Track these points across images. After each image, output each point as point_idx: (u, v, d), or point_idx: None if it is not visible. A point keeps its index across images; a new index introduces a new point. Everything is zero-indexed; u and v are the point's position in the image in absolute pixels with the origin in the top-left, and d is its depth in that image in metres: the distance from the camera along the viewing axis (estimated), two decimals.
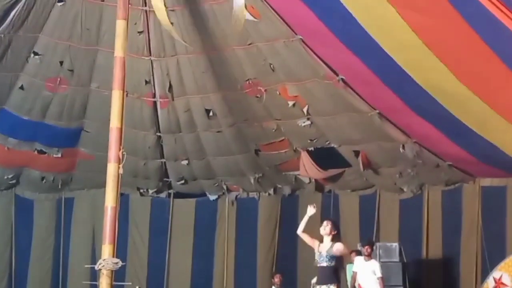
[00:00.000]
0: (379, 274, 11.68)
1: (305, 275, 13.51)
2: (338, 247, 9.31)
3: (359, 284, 11.80)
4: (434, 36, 9.04)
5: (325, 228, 9.47)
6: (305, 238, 9.77)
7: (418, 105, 10.97)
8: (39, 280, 14.88)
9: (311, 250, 12.84)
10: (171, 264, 15.31)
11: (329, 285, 9.19)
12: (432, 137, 11.89)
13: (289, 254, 14.38)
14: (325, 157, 13.45)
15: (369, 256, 11.87)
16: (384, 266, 12.04)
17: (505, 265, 11.80)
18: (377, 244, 12.85)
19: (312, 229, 12.32)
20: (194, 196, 15.59)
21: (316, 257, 9.50)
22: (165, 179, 15.19)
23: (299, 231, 9.81)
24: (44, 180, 14.91)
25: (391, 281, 12.44)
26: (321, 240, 9.54)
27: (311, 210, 9.73)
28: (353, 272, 11.89)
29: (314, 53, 11.20)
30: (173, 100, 13.04)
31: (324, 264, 9.30)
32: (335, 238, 9.42)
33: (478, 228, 13.05)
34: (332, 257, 9.34)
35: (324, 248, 9.41)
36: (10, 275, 14.97)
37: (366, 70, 10.69)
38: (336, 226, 9.70)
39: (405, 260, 12.83)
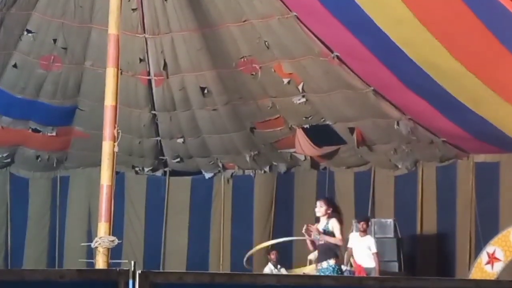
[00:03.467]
0: (374, 250, 11.74)
1: (301, 252, 13.56)
2: (333, 224, 9.25)
3: (354, 260, 11.86)
4: (428, 12, 9.03)
5: (320, 209, 9.37)
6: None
7: (412, 81, 10.97)
8: (35, 258, 14.90)
9: (309, 223, 12.90)
10: (167, 242, 15.34)
11: (328, 260, 9.14)
12: (426, 113, 11.89)
13: (285, 231, 14.40)
14: (320, 134, 13.45)
15: (365, 232, 11.92)
16: (379, 242, 12.10)
17: (498, 240, 11.86)
18: (372, 220, 12.89)
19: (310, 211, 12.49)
20: (189, 174, 15.59)
21: (314, 236, 9.44)
22: (160, 157, 15.18)
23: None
24: (39, 159, 14.89)
25: (386, 256, 12.51)
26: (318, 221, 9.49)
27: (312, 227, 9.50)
28: (348, 248, 11.94)
29: (309, 30, 11.18)
30: (167, 78, 13.00)
31: (322, 241, 9.27)
32: (331, 216, 9.32)
33: (472, 204, 13.09)
34: (328, 234, 9.30)
35: (320, 227, 9.38)
36: (6, 253, 14.98)
37: (361, 47, 10.68)
38: (331, 203, 9.59)
39: (399, 236, 12.89)
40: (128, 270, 2.98)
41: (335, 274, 8.98)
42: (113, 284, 2.92)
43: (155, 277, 2.97)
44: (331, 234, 9.10)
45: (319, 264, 9.33)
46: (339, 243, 9.18)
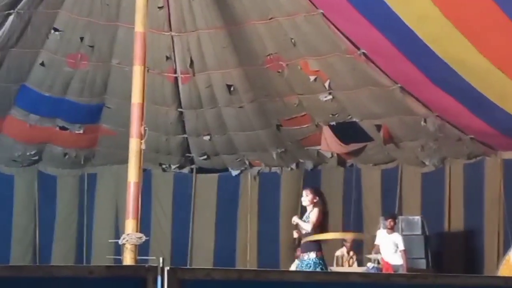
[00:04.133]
0: (401, 247, 11.69)
1: (327, 248, 13.54)
2: (313, 212, 9.14)
3: (381, 257, 11.83)
4: (455, 8, 8.97)
5: (305, 198, 9.31)
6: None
7: (439, 78, 10.90)
8: (63, 256, 14.99)
9: (335, 222, 12.88)
10: (194, 239, 15.39)
11: (309, 253, 9.06)
12: (454, 110, 11.82)
13: None
14: (347, 131, 13.42)
15: (392, 229, 11.88)
16: (406, 239, 12.06)
17: None
18: (399, 217, 12.84)
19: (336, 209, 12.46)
20: (216, 171, 15.63)
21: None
22: (187, 154, 15.23)
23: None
24: (67, 156, 14.98)
25: (414, 253, 12.46)
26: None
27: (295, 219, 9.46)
28: (375, 245, 11.91)
29: (335, 27, 11.14)
30: (194, 75, 13.04)
31: (303, 231, 9.19)
32: (316, 205, 9.23)
33: (500, 201, 13.00)
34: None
35: (306, 217, 9.31)
36: (35, 251, 15.09)
37: (387, 44, 10.63)
38: (317, 192, 9.50)
39: (427, 233, 12.83)
40: (157, 266, 3.00)
41: (317, 268, 8.84)
42: (142, 281, 2.94)
43: (183, 273, 2.98)
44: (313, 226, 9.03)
45: (300, 256, 9.28)
46: (307, 227, 9.07)
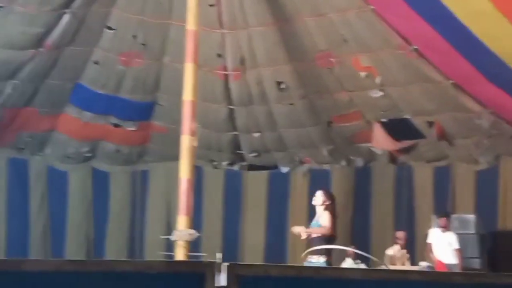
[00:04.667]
0: (456, 246, 11.56)
1: (380, 246, 13.48)
2: (323, 216, 9.17)
3: (434, 256, 11.71)
4: (509, 3, 8.84)
5: (318, 198, 9.34)
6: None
7: (493, 74, 10.76)
8: (116, 251, 15.15)
9: (386, 221, 12.80)
10: (245, 236, 15.44)
11: (319, 256, 9.07)
12: (508, 107, 11.65)
13: (363, 225, 14.33)
14: (398, 128, 13.32)
15: (446, 228, 11.74)
16: (460, 238, 11.91)
17: None
18: (453, 215, 12.69)
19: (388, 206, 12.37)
20: (266, 168, 15.65)
21: (310, 227, 9.40)
22: (237, 151, 15.28)
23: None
24: (120, 153, 15.16)
25: (468, 253, 12.29)
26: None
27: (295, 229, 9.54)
28: (428, 243, 11.80)
29: (387, 23, 11.08)
30: (245, 73, 13.08)
31: (314, 234, 9.20)
32: (327, 208, 9.24)
33: None
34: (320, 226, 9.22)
35: (316, 218, 9.30)
36: (88, 246, 15.30)
37: (440, 39, 10.53)
38: (329, 195, 9.54)
39: (482, 232, 12.65)
40: (215, 262, 3.02)
41: None
42: (200, 276, 2.97)
43: (242, 269, 3.00)
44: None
45: (309, 257, 9.27)
46: (324, 231, 9.12)
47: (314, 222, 9.48)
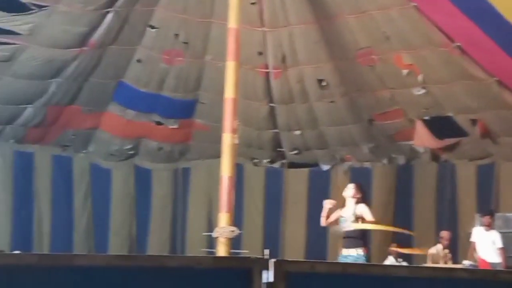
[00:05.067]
0: (499, 245, 11.44)
1: (422, 245, 13.39)
2: (362, 209, 9.11)
3: (477, 255, 11.61)
4: None
5: (349, 190, 9.28)
6: (331, 221, 9.56)
7: None
8: (158, 248, 15.26)
9: (428, 219, 12.71)
10: (286, 233, 15.46)
11: (357, 248, 9.00)
12: None
13: (405, 224, 14.22)
14: (441, 126, 13.22)
15: (489, 226, 11.63)
16: (503, 237, 11.78)
17: None
18: (496, 214, 12.55)
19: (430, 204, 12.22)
20: (307, 166, 15.65)
21: (341, 222, 9.34)
22: (278, 149, 15.30)
23: (323, 223, 9.62)
24: (162, 151, 15.29)
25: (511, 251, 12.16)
26: (343, 205, 9.39)
27: (327, 203, 9.49)
28: (472, 242, 11.70)
29: (429, 19, 11.01)
30: (286, 70, 13.10)
31: (348, 227, 9.13)
32: (359, 201, 9.19)
33: None
34: (357, 220, 9.16)
35: (347, 211, 9.24)
36: (131, 243, 15.44)
37: (483, 36, 10.44)
38: (361, 189, 9.48)
39: None
40: (263, 258, 3.05)
41: None
42: (248, 272, 3.00)
43: (289, 265, 3.03)
44: (358, 219, 8.99)
45: (346, 251, 9.20)
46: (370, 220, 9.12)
47: (346, 214, 9.36)
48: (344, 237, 9.39)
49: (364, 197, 9.46)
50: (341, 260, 9.27)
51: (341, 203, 14.99)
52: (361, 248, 9.08)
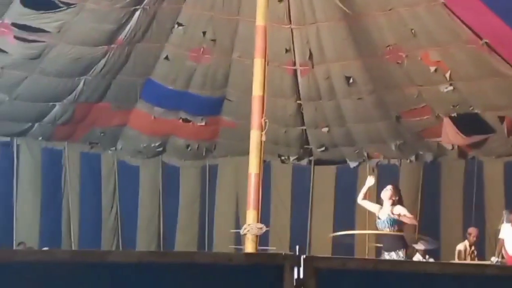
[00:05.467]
0: None
1: (449, 241, 13.36)
2: (399, 210, 9.05)
3: (506, 251, 11.56)
4: None
5: (387, 192, 9.23)
6: (366, 204, 9.56)
7: None
8: (186, 244, 15.34)
9: (456, 215, 12.63)
10: (313, 230, 15.46)
11: (397, 251, 8.94)
12: None
13: (432, 220, 14.19)
14: (469, 123, 13.15)
15: None
16: None
17: None
18: None
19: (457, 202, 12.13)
20: (334, 163, 15.63)
21: (376, 223, 9.29)
22: (305, 146, 15.30)
23: (359, 199, 9.60)
24: (189, 148, 15.35)
25: None
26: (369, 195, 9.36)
27: (370, 181, 9.46)
28: (499, 239, 11.64)
29: (457, 16, 10.96)
30: (313, 68, 13.10)
31: (387, 229, 9.07)
32: (396, 203, 9.13)
33: None
34: (394, 222, 9.10)
35: (383, 213, 9.17)
36: (159, 238, 15.53)
37: (511, 33, 10.37)
38: (398, 191, 9.43)
39: None
40: (294, 254, 3.08)
41: None
42: (279, 268, 3.02)
43: (319, 262, 3.05)
44: (395, 223, 8.92)
45: (386, 253, 9.12)
46: (414, 221, 9.08)
47: (382, 216, 9.33)
48: (383, 240, 9.35)
49: (400, 199, 9.41)
50: None
51: (369, 201, 15.05)
52: (401, 250, 9.02)
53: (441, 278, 3.02)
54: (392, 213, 9.09)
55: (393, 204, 9.23)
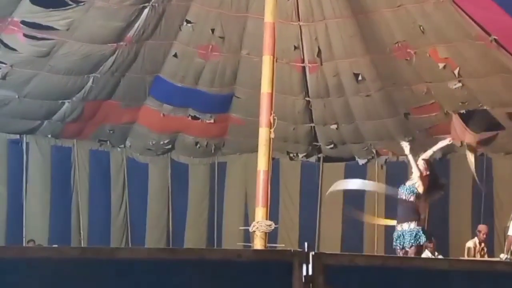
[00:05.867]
0: None
1: (458, 238, 13.33)
2: (420, 162, 9.00)
3: None
4: None
5: (422, 165, 9.16)
6: (412, 161, 9.45)
7: None
8: (195, 241, 15.37)
9: (465, 212, 12.56)
10: (322, 227, 15.47)
11: (409, 222, 8.88)
12: None
13: (441, 217, 14.17)
14: (477, 120, 13.12)
15: None
16: None
17: None
18: None
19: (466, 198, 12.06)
20: (343, 160, 15.63)
21: (400, 189, 9.23)
22: (314, 143, 15.31)
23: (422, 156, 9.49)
24: (198, 145, 15.37)
25: None
26: None
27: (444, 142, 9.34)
28: (509, 236, 11.59)
29: (466, 13, 10.93)
30: (321, 65, 13.09)
31: (403, 196, 9.01)
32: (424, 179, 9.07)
33: None
34: (412, 191, 9.02)
35: (408, 182, 9.13)
36: (168, 236, 15.56)
37: None
38: (431, 168, 9.35)
39: None
40: (303, 251, 3.08)
41: (416, 238, 8.74)
42: (288, 265, 3.03)
43: (328, 258, 3.06)
44: (412, 193, 8.86)
45: (399, 225, 9.07)
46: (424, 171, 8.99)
47: (404, 186, 9.27)
48: (397, 210, 9.28)
49: (431, 175, 9.28)
50: (396, 237, 9.10)
51: (377, 198, 15.01)
52: (413, 222, 8.94)
53: (451, 275, 3.02)
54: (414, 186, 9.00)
55: (422, 179, 9.12)
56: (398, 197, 9.06)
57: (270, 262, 3.07)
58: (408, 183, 9.13)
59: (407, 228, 8.87)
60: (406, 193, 9.07)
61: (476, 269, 3.04)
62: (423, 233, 8.91)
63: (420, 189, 9.00)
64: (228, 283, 3.10)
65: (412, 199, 9.03)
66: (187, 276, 3.15)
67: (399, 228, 9.03)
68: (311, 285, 3.07)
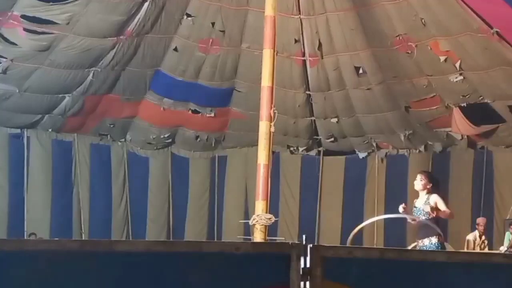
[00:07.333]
0: None
1: (457, 231, 13.34)
2: (434, 198, 8.88)
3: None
4: None
5: (419, 182, 9.05)
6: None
7: None
8: (195, 235, 15.40)
9: (465, 205, 12.54)
10: (322, 220, 15.49)
11: (430, 238, 8.84)
12: None
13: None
14: (478, 113, 13.12)
15: None
16: None
17: None
18: None
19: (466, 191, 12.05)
20: (343, 154, 15.64)
21: (414, 213, 9.15)
22: (314, 137, 15.31)
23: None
24: (198, 139, 15.39)
25: None
26: (417, 196, 9.19)
27: (401, 209, 9.21)
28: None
29: (467, 6, 10.90)
30: (322, 58, 13.07)
31: (422, 217, 8.96)
32: (431, 192, 8.98)
33: None
34: (426, 209, 8.97)
35: (419, 202, 9.04)
36: (169, 229, 15.60)
37: None
38: (432, 178, 9.20)
39: None
40: (301, 243, 3.08)
41: None
42: (286, 257, 3.02)
43: (326, 251, 3.05)
44: (432, 210, 8.77)
45: (420, 241, 9.02)
46: (451, 216, 8.87)
47: (419, 205, 9.20)
48: (418, 228, 9.22)
49: (437, 186, 9.20)
50: None
51: (378, 191, 15.03)
52: (434, 237, 8.88)
53: (449, 267, 3.01)
54: (429, 202, 8.86)
55: (429, 192, 9.00)
56: (418, 220, 8.94)
57: (268, 254, 3.06)
58: (418, 205, 8.99)
59: (428, 243, 8.82)
60: (423, 213, 8.95)
61: (474, 261, 3.04)
62: (441, 248, 8.85)
63: (439, 201, 8.87)
64: (226, 276, 3.09)
65: (428, 212, 8.87)
66: (185, 269, 3.15)
67: (420, 243, 8.98)
68: (309, 277, 3.06)
